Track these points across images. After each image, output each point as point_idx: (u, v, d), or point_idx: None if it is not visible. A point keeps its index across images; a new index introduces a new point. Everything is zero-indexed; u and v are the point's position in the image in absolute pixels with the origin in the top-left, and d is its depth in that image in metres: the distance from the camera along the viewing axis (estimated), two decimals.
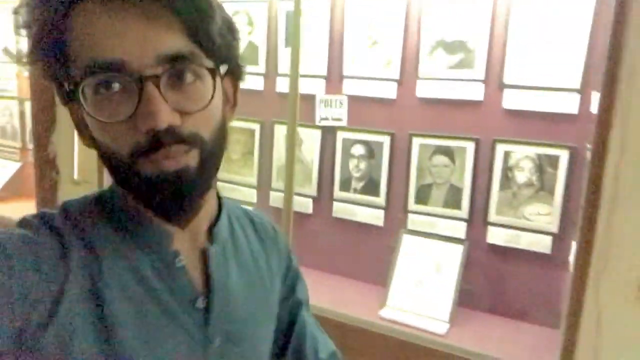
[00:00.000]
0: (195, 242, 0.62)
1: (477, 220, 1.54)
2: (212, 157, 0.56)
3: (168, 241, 0.59)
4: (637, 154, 1.07)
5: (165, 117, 0.49)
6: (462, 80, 1.50)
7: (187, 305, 0.59)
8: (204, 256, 0.63)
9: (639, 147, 1.06)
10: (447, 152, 1.55)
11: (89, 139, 0.57)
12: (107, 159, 0.54)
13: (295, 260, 0.81)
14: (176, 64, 0.51)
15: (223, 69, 0.56)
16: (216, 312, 0.61)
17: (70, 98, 0.54)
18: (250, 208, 0.79)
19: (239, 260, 0.68)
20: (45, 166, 1.90)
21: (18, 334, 0.48)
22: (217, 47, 0.54)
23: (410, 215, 1.63)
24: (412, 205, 1.63)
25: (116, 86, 0.50)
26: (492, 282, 1.55)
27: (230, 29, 0.57)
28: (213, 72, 0.53)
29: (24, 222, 0.55)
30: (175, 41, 0.51)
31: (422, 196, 1.61)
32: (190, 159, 0.53)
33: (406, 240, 1.63)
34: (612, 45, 1.05)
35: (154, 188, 0.52)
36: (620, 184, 1.09)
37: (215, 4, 0.54)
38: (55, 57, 0.52)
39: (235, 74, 0.61)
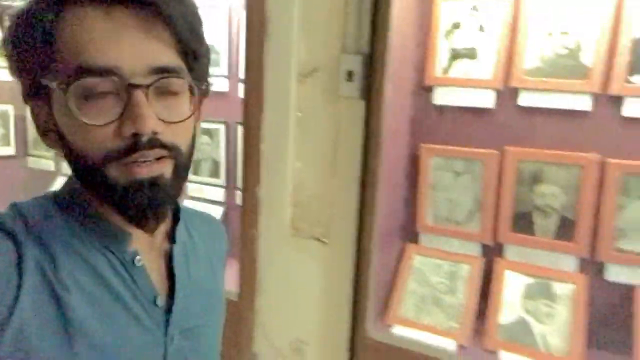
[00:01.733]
0: (153, 242, 0.63)
1: (231, 186, 1.94)
2: (185, 167, 0.57)
3: (127, 241, 0.59)
4: (276, 129, 1.46)
5: (151, 122, 0.51)
6: (214, 75, 1.89)
7: (147, 303, 0.59)
8: (164, 256, 0.64)
9: (278, 124, 1.46)
10: (208, 133, 1.94)
11: (54, 140, 0.55)
12: (76, 161, 0.53)
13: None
14: (164, 76, 0.52)
15: (204, 85, 0.60)
16: (177, 310, 0.62)
17: (37, 95, 0.53)
18: (194, 208, 0.83)
19: (195, 258, 0.69)
20: None
21: None
22: (199, 66, 0.57)
23: (189, 184, 2.02)
24: (190, 176, 2.02)
25: (104, 89, 0.50)
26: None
27: (208, 49, 0.61)
28: (197, 89, 0.57)
29: None
30: (167, 55, 0.53)
31: (195, 169, 2.00)
32: (165, 168, 0.54)
33: (185, 204, 2.01)
34: (247, 47, 1.45)
35: (129, 196, 0.52)
36: (268, 152, 1.48)
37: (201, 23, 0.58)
38: (38, 51, 0.51)
39: (204, 92, 0.63)
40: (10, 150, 2.50)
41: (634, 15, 1.25)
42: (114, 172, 0.52)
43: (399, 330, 1.36)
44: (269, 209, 1.51)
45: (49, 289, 0.51)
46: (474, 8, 1.42)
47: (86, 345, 0.52)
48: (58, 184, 2.32)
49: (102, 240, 0.57)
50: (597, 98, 1.30)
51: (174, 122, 0.54)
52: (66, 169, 2.18)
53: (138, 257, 0.59)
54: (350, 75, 1.33)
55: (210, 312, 0.70)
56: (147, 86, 0.50)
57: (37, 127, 0.56)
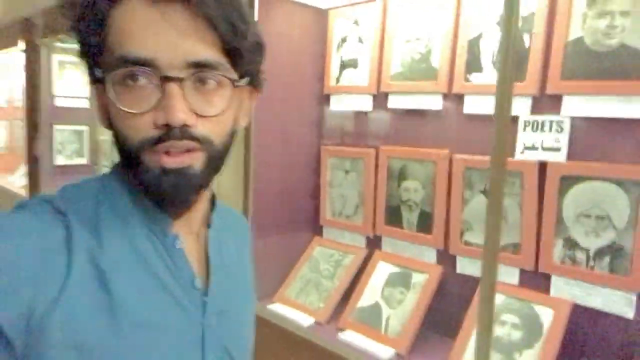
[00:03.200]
0: (190, 227, 0.64)
1: None
2: (217, 159, 0.58)
3: (168, 224, 0.60)
4: None
5: (182, 114, 0.52)
6: None
7: (187, 285, 0.61)
8: (200, 240, 0.66)
9: None
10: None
11: (107, 122, 0.58)
12: (120, 143, 0.56)
13: None
14: (201, 71, 0.53)
15: (244, 80, 0.59)
16: (213, 292, 0.63)
17: (97, 80, 0.56)
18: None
19: (226, 245, 0.71)
20: None
21: (26, 319, 0.48)
22: (243, 62, 0.57)
23: None
24: None
25: (142, 81, 0.52)
26: None
27: (258, 45, 0.60)
28: (233, 83, 0.57)
29: (24, 206, 0.55)
30: (206, 51, 0.53)
31: None
32: (195, 159, 0.55)
33: None
34: None
35: (157, 183, 0.54)
36: None
37: (251, 20, 0.58)
38: (92, 40, 0.54)
39: (254, 85, 0.63)
40: (84, 160, 3.20)
41: (470, 18, 1.32)
42: (147, 159, 0.54)
43: (276, 307, 1.55)
44: None
45: (96, 269, 0.53)
46: (356, 22, 1.58)
47: (131, 325, 0.53)
48: None
49: (145, 223, 0.59)
50: (445, 97, 1.38)
51: (208, 117, 0.55)
52: None
53: (178, 241, 0.61)
54: None
55: (241, 298, 0.72)
56: (181, 79, 0.52)
57: (99, 108, 0.59)
